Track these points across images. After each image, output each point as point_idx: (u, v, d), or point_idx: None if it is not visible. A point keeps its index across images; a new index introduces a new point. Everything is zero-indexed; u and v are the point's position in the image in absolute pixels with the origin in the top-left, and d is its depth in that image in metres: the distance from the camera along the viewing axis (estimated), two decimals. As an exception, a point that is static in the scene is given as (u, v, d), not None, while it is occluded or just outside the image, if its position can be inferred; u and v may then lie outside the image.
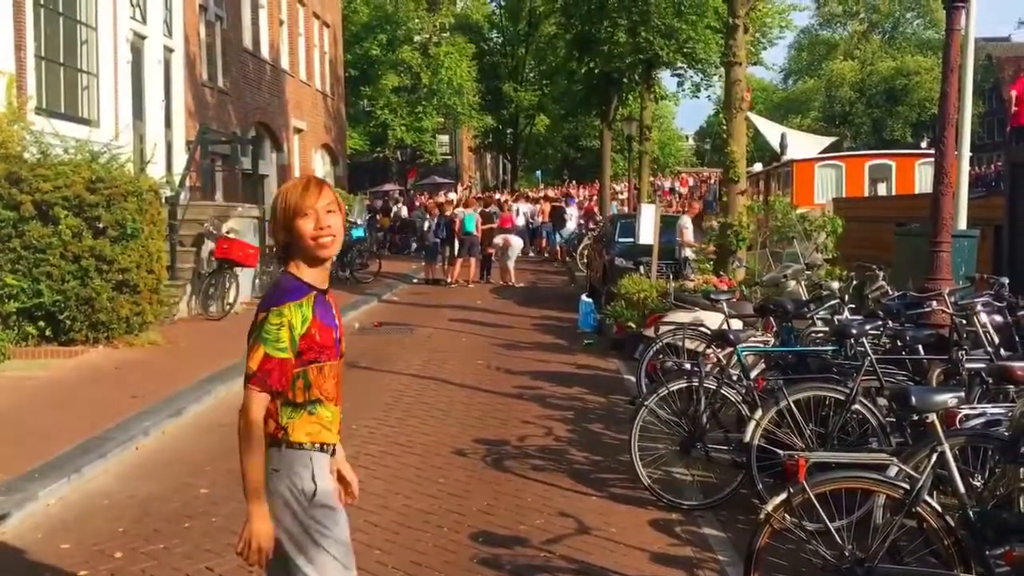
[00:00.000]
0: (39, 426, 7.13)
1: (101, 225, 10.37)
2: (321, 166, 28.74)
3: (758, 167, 24.01)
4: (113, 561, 4.82)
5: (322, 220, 2.88)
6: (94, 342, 10.50)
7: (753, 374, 6.37)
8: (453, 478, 6.32)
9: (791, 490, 3.72)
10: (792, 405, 5.41)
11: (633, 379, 8.84)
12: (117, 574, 4.66)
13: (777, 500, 3.75)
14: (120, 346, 10.59)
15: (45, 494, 5.72)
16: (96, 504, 5.75)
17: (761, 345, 7.13)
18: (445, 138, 49.86)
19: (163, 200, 12.17)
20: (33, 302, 10.17)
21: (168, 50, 16.78)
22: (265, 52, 23.08)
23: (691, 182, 54.05)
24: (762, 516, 3.76)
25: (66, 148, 11.08)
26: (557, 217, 27.68)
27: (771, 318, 7.77)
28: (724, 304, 8.04)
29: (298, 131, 25.59)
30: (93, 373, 9.34)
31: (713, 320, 8.33)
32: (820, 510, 3.73)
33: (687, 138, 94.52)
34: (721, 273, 11.82)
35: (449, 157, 51.10)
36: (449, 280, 20.46)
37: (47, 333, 10.36)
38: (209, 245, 13.66)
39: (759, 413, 5.52)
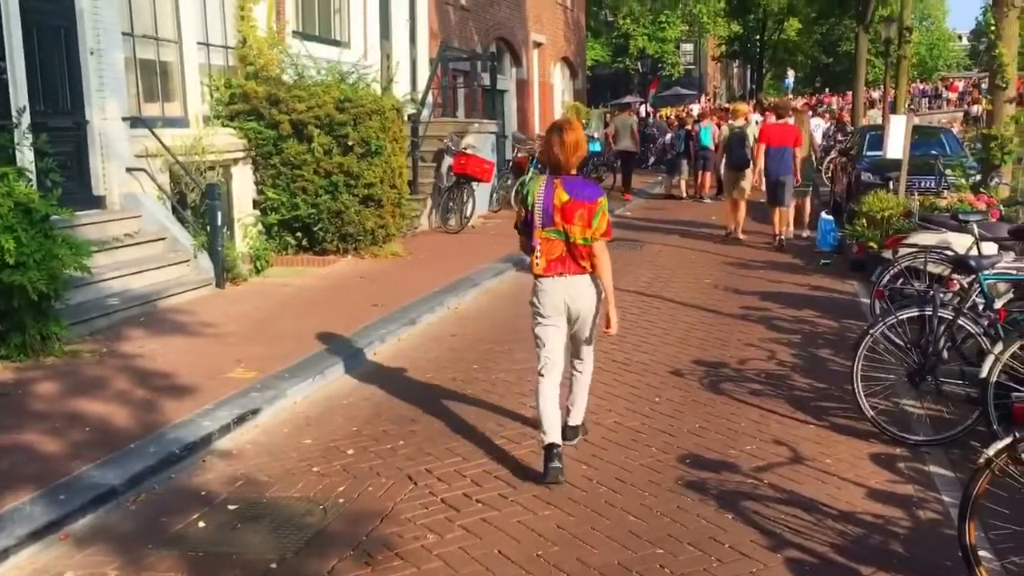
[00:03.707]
0: (291, 329, 7.83)
1: (349, 143, 11.04)
2: (560, 80, 28.83)
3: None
4: (345, 457, 5.28)
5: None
6: (344, 252, 11.32)
7: (998, 304, 5.84)
8: (666, 398, 6.34)
9: (1017, 435, 3.43)
10: (1039, 340, 4.94)
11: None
12: (348, 470, 5.09)
13: (1000, 445, 3.47)
14: (366, 256, 11.35)
15: (293, 392, 6.32)
16: (336, 404, 6.29)
17: (1014, 272, 6.50)
18: (689, 47, 48.38)
19: (405, 117, 12.72)
20: (291, 214, 11.09)
21: (413, -30, 17.29)
22: (506, -34, 23.24)
23: (960, 87, 49.35)
24: (982, 461, 3.50)
25: (318, 69, 11.81)
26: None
27: (1029, 242, 7.08)
28: (974, 225, 7.39)
29: (537, 45, 25.73)
30: (340, 282, 10.08)
31: (962, 243, 7.68)
32: (1052, 459, 3.43)
33: (960, 38, 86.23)
34: (981, 190, 10.82)
35: (693, 67, 49.59)
36: (684, 195, 20.15)
37: (303, 243, 11.29)
38: (448, 160, 14.20)
39: (999, 347, 5.09)
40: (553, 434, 4.91)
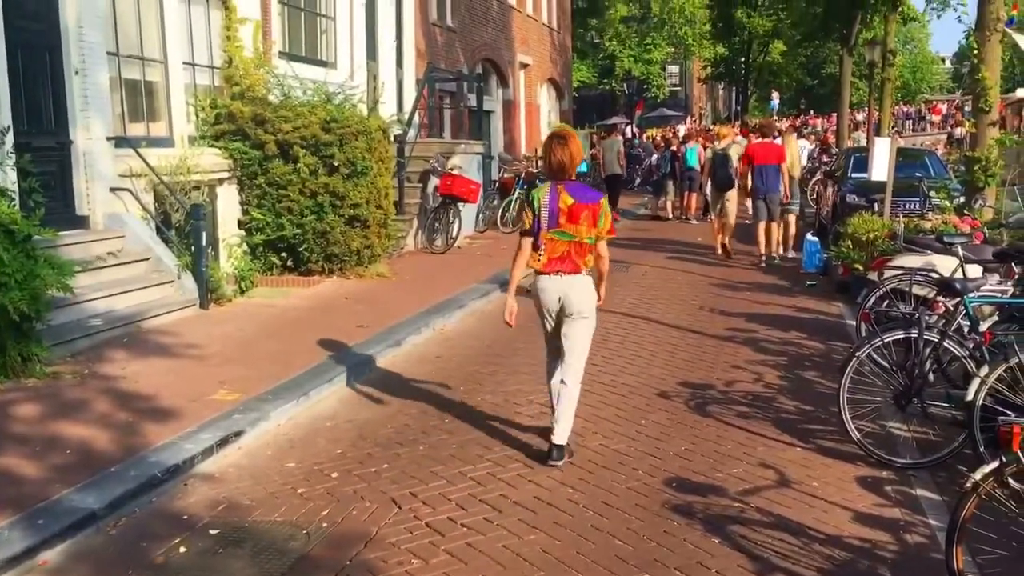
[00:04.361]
0: (275, 351, 7.77)
1: (335, 163, 11.02)
2: (547, 101, 28.94)
3: (1022, 92, 21.71)
4: (329, 481, 5.22)
5: None
6: (329, 273, 11.28)
7: (983, 326, 5.85)
8: (653, 420, 6.31)
9: (1003, 459, 3.43)
10: (1025, 363, 4.94)
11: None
12: (332, 493, 5.03)
13: (987, 469, 3.47)
14: (351, 277, 11.31)
15: (277, 415, 6.25)
16: (320, 426, 6.23)
17: (997, 295, 6.53)
18: (675, 68, 48.71)
19: (391, 138, 12.72)
20: (276, 235, 11.05)
21: (400, -9, 17.36)
22: (492, -12, 23.38)
23: (944, 109, 49.83)
24: (969, 485, 3.49)
25: (304, 90, 11.80)
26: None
27: (1013, 264, 7.11)
28: (959, 248, 7.42)
29: (524, 66, 25.85)
30: (325, 302, 10.03)
31: (947, 265, 7.71)
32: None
33: (943, 61, 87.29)
34: (965, 213, 10.89)
35: (678, 88, 49.92)
36: (670, 216, 20.24)
37: (288, 263, 11.24)
38: (434, 181, 14.20)
39: (985, 370, 5.09)
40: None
